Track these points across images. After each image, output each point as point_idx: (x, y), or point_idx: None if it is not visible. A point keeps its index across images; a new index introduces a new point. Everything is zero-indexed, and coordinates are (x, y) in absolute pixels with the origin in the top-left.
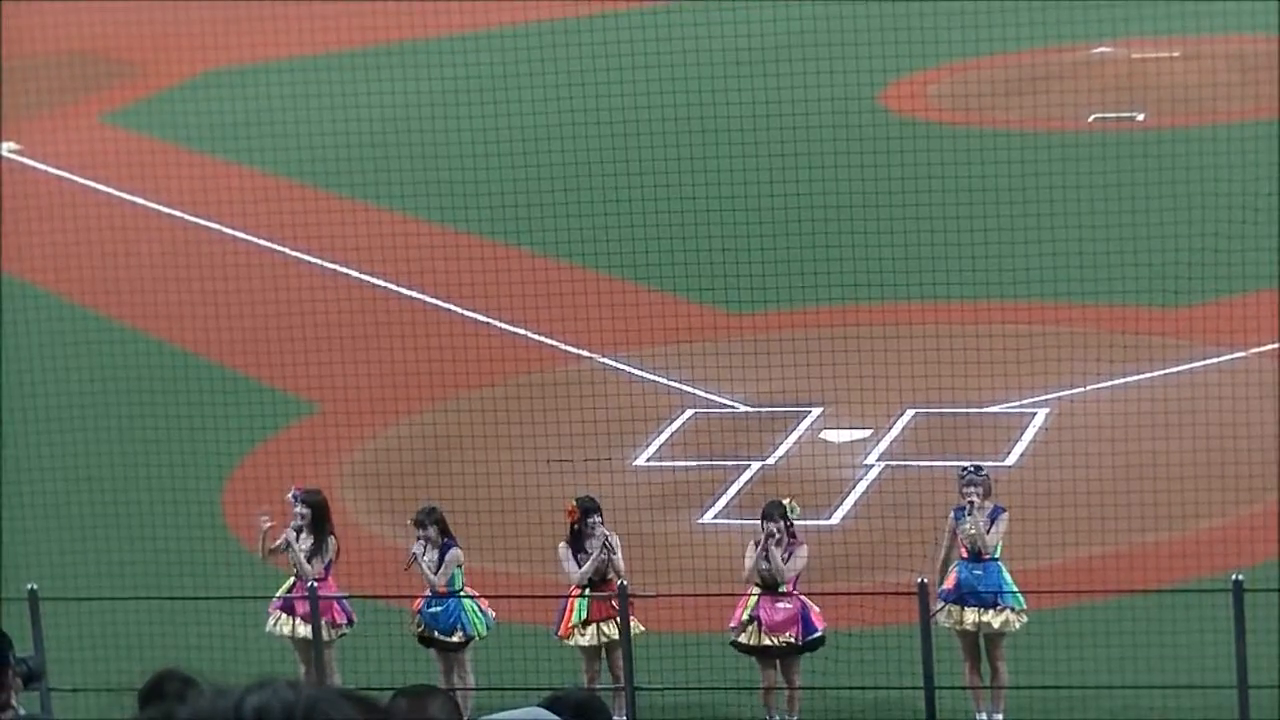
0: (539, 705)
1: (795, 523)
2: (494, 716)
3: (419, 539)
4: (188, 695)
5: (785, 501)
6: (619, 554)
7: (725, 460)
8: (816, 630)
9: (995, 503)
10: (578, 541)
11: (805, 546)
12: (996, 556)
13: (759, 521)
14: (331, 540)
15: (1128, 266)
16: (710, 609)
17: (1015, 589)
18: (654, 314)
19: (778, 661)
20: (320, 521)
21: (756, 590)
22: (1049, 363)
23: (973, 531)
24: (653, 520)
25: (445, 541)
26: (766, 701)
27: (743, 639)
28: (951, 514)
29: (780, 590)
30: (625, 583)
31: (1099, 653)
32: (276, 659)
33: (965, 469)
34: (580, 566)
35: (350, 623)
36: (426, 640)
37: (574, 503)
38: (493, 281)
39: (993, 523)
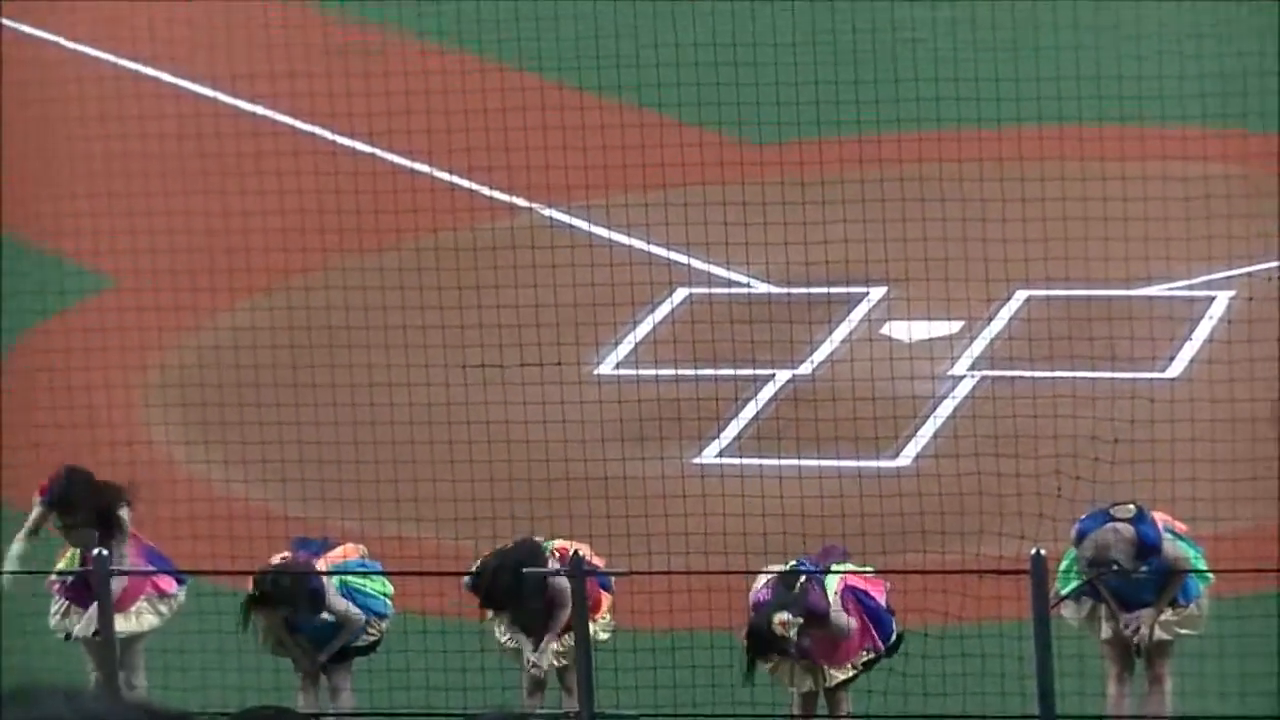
0: None
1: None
2: None
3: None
4: None
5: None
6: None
7: (735, 368)
8: (891, 625)
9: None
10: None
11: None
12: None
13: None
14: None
15: None
16: (711, 594)
17: (1200, 557)
18: (627, 143)
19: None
20: (108, 520)
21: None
22: (1234, 220)
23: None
24: (624, 458)
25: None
26: None
27: (785, 679)
28: (1075, 529)
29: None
30: (579, 551)
31: None
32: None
33: (1086, 558)
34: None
35: (181, 584)
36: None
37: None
38: (377, 92)
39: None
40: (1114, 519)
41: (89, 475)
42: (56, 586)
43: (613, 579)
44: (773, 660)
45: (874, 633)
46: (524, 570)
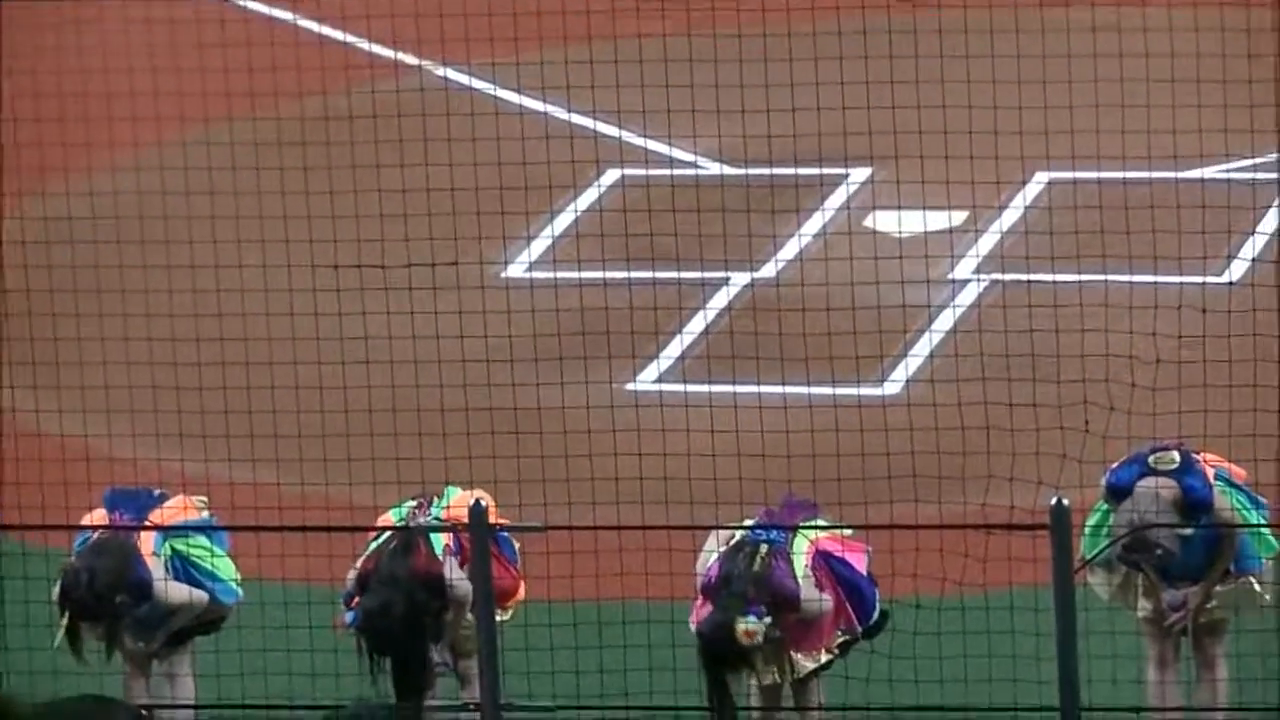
0: None
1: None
2: None
3: None
4: None
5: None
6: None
7: (681, 270)
8: (874, 601)
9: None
10: None
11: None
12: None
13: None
14: None
15: None
16: (647, 554)
17: (1263, 512)
18: None
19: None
20: None
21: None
22: None
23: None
24: (539, 383)
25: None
26: None
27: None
28: (1105, 481)
29: None
30: (482, 501)
31: None
32: None
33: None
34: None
35: None
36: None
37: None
38: None
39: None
40: (1154, 471)
41: None
42: None
43: (519, 564)
44: (740, 671)
45: (849, 610)
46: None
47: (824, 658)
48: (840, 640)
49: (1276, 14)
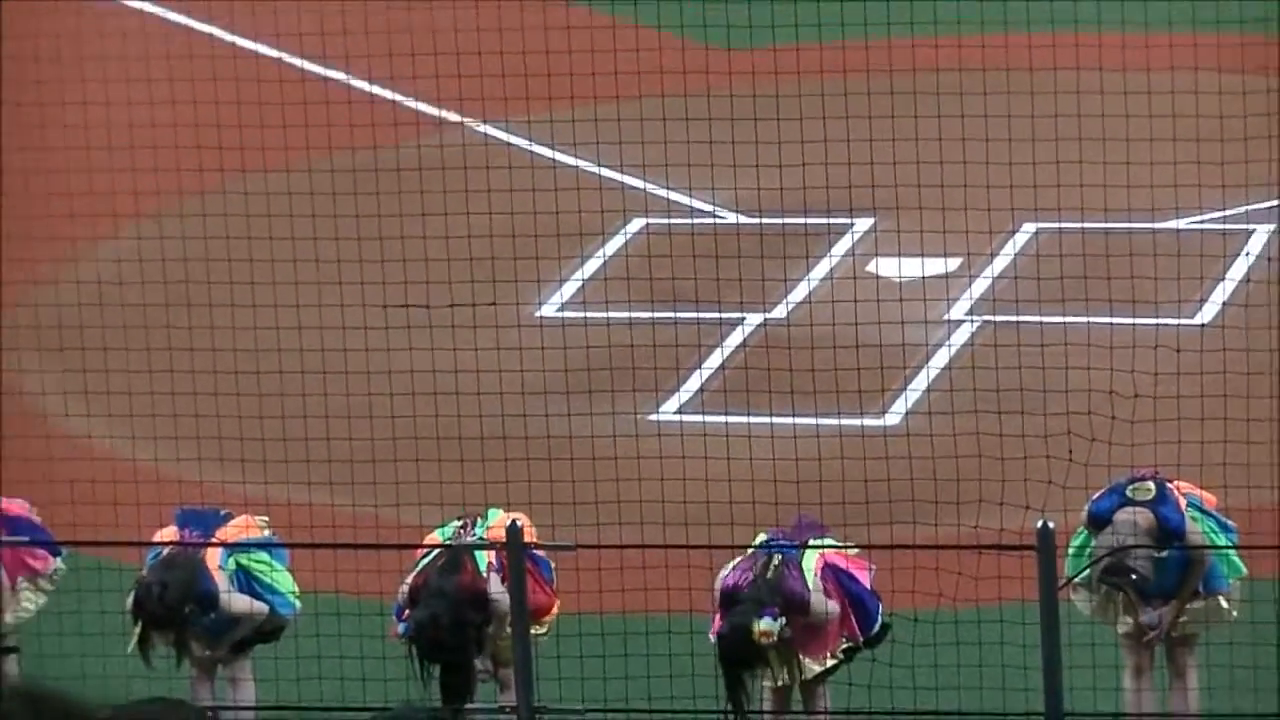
0: None
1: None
2: None
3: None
4: None
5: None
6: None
7: (699, 310)
8: (876, 614)
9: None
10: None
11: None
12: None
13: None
14: None
15: None
16: (669, 572)
17: (1231, 545)
18: (575, 48)
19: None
20: None
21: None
22: (1275, 141)
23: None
24: (570, 414)
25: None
26: None
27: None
28: (1087, 510)
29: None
30: (519, 521)
31: None
32: None
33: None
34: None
35: (57, 555)
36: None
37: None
38: None
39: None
40: (1131, 502)
41: None
42: None
43: (554, 582)
44: (758, 672)
45: (853, 620)
46: (463, 621)
47: (829, 662)
48: (845, 647)
49: (1245, 79)
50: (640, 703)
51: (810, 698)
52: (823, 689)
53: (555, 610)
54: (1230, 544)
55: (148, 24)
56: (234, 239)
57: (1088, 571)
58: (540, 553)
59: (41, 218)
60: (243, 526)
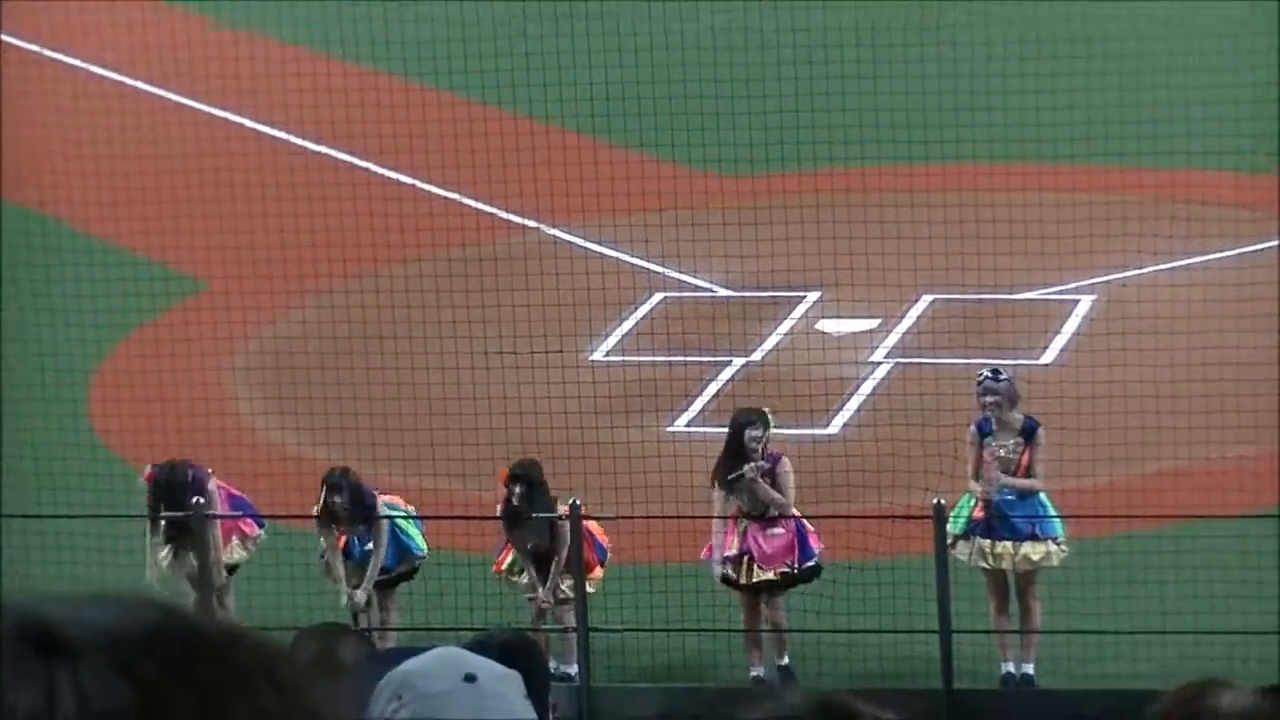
0: (462, 647)
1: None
2: (403, 667)
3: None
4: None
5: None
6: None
7: (701, 355)
8: (813, 555)
9: (1025, 414)
10: (514, 520)
11: (785, 459)
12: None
13: (726, 429)
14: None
15: (1195, 122)
16: (681, 534)
17: (1057, 514)
18: (615, 175)
19: (764, 596)
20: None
21: (744, 518)
22: (1096, 239)
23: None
24: (612, 426)
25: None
26: (750, 645)
27: (730, 572)
28: (972, 426)
29: (771, 515)
30: (577, 500)
31: (1150, 590)
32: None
33: (983, 375)
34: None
35: (261, 526)
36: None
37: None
38: (419, 134)
39: (1028, 443)
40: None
41: (181, 469)
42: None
43: (607, 554)
44: (739, 472)
45: (797, 551)
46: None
47: (771, 575)
48: (783, 570)
49: (1074, 196)
50: (661, 623)
51: (773, 615)
52: (781, 612)
53: (600, 574)
54: (1053, 511)
55: (321, 161)
56: (381, 307)
57: (963, 523)
58: (598, 536)
59: (251, 292)
60: (391, 499)
